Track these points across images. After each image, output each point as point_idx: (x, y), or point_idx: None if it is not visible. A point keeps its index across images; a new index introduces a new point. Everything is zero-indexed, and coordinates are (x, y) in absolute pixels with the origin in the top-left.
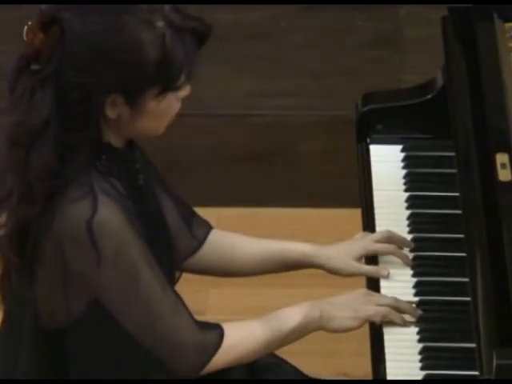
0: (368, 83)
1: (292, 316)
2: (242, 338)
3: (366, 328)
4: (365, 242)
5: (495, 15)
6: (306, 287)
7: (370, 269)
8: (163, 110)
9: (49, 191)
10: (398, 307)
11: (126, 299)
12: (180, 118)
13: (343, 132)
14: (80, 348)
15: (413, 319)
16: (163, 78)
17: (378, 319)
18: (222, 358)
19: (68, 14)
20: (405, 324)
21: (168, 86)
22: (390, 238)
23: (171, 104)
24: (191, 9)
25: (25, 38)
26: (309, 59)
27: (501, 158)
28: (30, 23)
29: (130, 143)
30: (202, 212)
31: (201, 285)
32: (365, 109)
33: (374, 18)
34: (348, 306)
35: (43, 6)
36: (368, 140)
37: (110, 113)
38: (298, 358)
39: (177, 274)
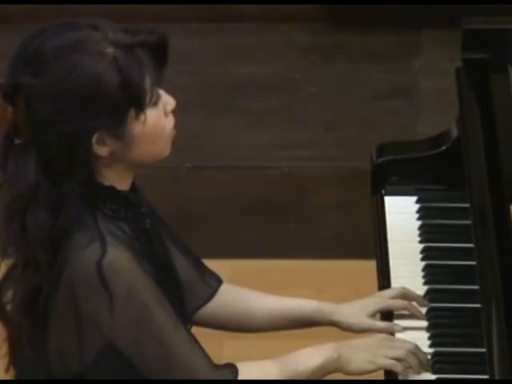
0: (382, 135)
1: (310, 357)
2: (256, 376)
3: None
4: (378, 299)
5: (510, 67)
6: (324, 338)
7: (383, 325)
8: (152, 130)
9: (51, 249)
10: (415, 354)
11: (139, 341)
12: (193, 169)
13: (357, 183)
14: None
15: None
16: (132, 98)
17: (397, 369)
18: None
19: (22, 76)
20: (419, 372)
21: (140, 104)
22: (405, 295)
23: (157, 121)
24: (205, 60)
25: None
26: (323, 110)
27: None
28: None
29: (134, 188)
30: (216, 264)
31: (216, 336)
32: (379, 160)
33: (389, 69)
34: (367, 349)
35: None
36: (383, 191)
37: (102, 152)
38: None
39: (187, 326)
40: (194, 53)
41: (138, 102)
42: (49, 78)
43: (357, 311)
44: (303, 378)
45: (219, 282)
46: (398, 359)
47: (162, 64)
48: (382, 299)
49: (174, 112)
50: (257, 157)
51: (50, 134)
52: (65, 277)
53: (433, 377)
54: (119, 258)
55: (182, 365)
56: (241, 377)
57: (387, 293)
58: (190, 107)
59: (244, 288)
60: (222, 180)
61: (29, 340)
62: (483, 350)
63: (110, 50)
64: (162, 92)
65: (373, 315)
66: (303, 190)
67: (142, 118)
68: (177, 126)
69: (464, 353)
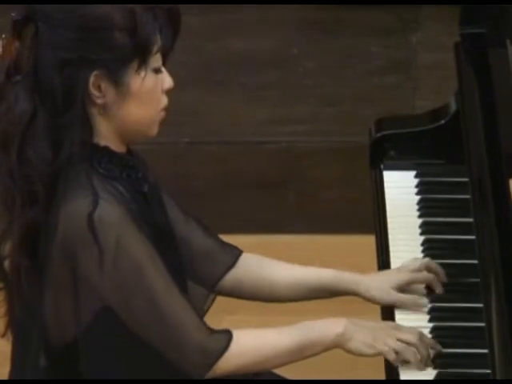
0: (381, 109)
1: (314, 329)
2: (255, 344)
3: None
4: (402, 272)
5: (508, 41)
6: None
7: (409, 298)
8: (147, 92)
9: (48, 184)
10: (417, 348)
11: (129, 297)
12: (193, 145)
13: (357, 158)
14: (91, 361)
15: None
16: (138, 47)
17: (391, 358)
18: (231, 362)
19: (38, 4)
20: (419, 367)
21: (145, 56)
22: (428, 267)
23: (155, 88)
24: (204, 36)
25: (0, 53)
26: (322, 86)
27: None
28: (3, 36)
29: (131, 153)
30: None
31: (214, 311)
32: (378, 135)
33: (388, 44)
34: (371, 331)
35: (13, 15)
36: (381, 166)
37: (97, 97)
38: None
39: (211, 296)
40: (193, 29)
41: (143, 53)
42: (64, 7)
43: (383, 284)
44: (312, 349)
45: (239, 250)
46: (396, 351)
47: (174, 34)
48: (406, 272)
49: (170, 92)
50: (255, 132)
51: (52, 63)
52: (59, 229)
53: (434, 372)
54: (111, 211)
55: (173, 323)
56: (235, 345)
57: (410, 266)
58: (188, 83)
59: (264, 257)
60: (221, 155)
61: (25, 301)
62: (482, 324)
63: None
64: (163, 69)
65: (398, 289)
66: (302, 164)
67: (142, 73)
68: (172, 103)
69: (463, 327)
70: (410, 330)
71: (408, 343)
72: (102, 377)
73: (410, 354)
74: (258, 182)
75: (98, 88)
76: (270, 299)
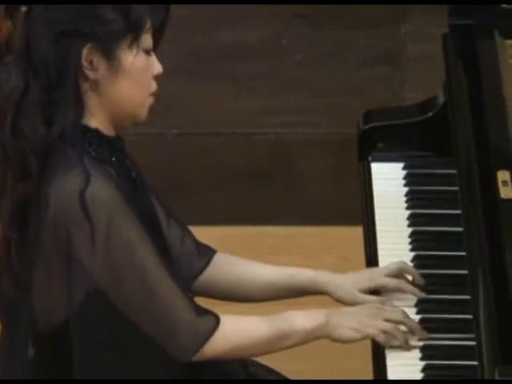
0: (370, 100)
1: (298, 319)
2: (241, 329)
3: (369, 345)
4: (373, 275)
5: (496, 32)
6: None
7: (374, 300)
8: (138, 71)
9: (41, 159)
10: (405, 324)
11: (120, 275)
12: (180, 136)
13: (345, 150)
14: (81, 344)
15: (417, 341)
16: (131, 24)
17: (380, 339)
18: (218, 345)
19: None
20: (407, 346)
21: (137, 33)
22: (402, 270)
23: (145, 68)
24: (192, 26)
25: None
26: (310, 77)
27: (502, 175)
28: None
29: (119, 137)
30: (204, 231)
31: (205, 303)
32: (366, 127)
33: (376, 35)
34: (356, 317)
35: None
36: (369, 158)
37: (89, 71)
38: (300, 376)
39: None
40: (182, 20)
41: (136, 29)
42: None
43: (350, 284)
44: (291, 339)
45: (213, 251)
46: (384, 331)
47: (164, 16)
48: (377, 276)
49: (159, 82)
50: (244, 123)
51: (46, 36)
52: (50, 207)
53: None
54: (102, 189)
55: (163, 303)
56: (222, 329)
57: (384, 270)
58: (177, 74)
59: (238, 258)
60: (209, 146)
61: (15, 277)
62: (470, 316)
63: None
64: (153, 56)
65: (364, 291)
66: (290, 156)
67: (134, 50)
68: (160, 93)
69: (451, 319)
70: (394, 309)
71: (395, 321)
72: (92, 361)
73: (399, 332)
74: (247, 174)
75: (91, 63)
76: (243, 299)
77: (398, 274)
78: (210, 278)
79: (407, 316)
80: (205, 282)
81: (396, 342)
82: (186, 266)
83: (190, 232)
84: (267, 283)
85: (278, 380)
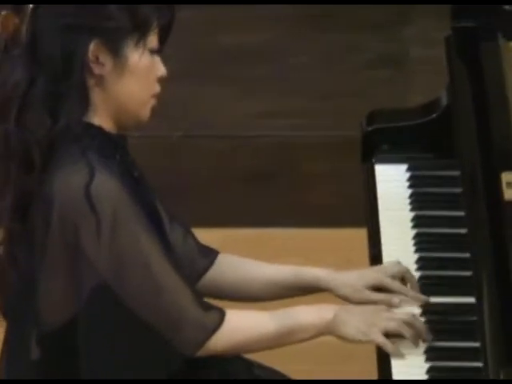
0: (373, 103)
1: (305, 314)
2: (246, 324)
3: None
4: (378, 274)
5: (499, 34)
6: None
7: (380, 298)
8: (143, 69)
9: (45, 152)
10: (411, 324)
11: (125, 268)
12: (185, 139)
13: (349, 152)
14: (89, 339)
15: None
16: (138, 22)
17: (386, 348)
18: (222, 340)
19: None
20: (414, 341)
21: (144, 31)
22: (403, 274)
23: (151, 68)
24: (195, 29)
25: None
26: (314, 79)
27: (506, 176)
28: (2, 13)
29: (122, 136)
30: (208, 233)
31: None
32: (369, 128)
33: (379, 38)
34: (364, 317)
35: None
36: (373, 160)
37: (95, 67)
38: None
39: None
40: (184, 23)
41: (143, 27)
42: None
43: (354, 281)
44: (297, 335)
45: (216, 252)
46: (392, 332)
47: (170, 19)
48: (381, 275)
49: (163, 85)
50: (247, 126)
51: (53, 29)
52: (55, 202)
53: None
54: (107, 183)
55: (169, 296)
56: (227, 324)
57: (388, 269)
58: (180, 77)
59: (242, 257)
60: (213, 149)
61: (19, 272)
62: (474, 318)
63: None
64: (158, 58)
65: (371, 288)
66: (294, 158)
67: (140, 49)
68: (164, 96)
69: (455, 321)
70: (402, 312)
71: (402, 320)
72: (98, 358)
73: (406, 328)
74: (251, 176)
75: (97, 58)
76: (247, 299)
77: (399, 275)
78: (215, 278)
79: (415, 317)
80: (209, 282)
81: (402, 351)
82: (189, 267)
83: (192, 233)
84: (271, 282)
85: (278, 380)
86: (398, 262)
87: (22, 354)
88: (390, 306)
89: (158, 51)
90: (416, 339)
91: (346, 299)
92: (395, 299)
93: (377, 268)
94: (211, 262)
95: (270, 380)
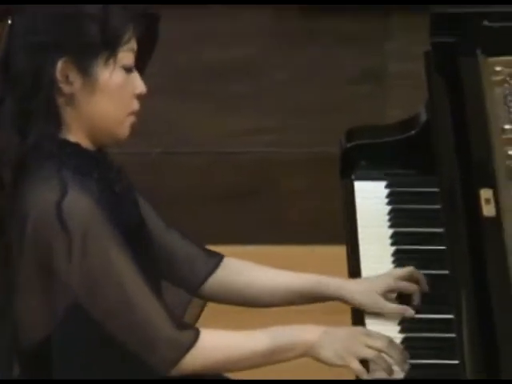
0: (353, 118)
1: (288, 335)
2: (223, 343)
3: None
4: (388, 279)
5: (478, 50)
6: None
7: (395, 307)
8: (116, 88)
9: (16, 170)
10: (388, 354)
11: (97, 286)
12: (165, 155)
13: (328, 168)
14: (61, 359)
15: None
16: (107, 38)
17: (359, 373)
18: (199, 359)
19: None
20: (390, 373)
21: (113, 48)
22: (413, 276)
23: (124, 85)
24: (176, 45)
25: None
26: (293, 96)
27: (485, 193)
28: None
29: (102, 151)
30: None
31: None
32: (348, 145)
33: (359, 54)
34: (342, 342)
35: None
36: (352, 176)
37: (64, 85)
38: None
39: (199, 302)
40: (165, 38)
41: (112, 43)
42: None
43: (367, 289)
44: (277, 355)
45: (222, 255)
46: (367, 359)
47: (152, 38)
48: (393, 280)
49: (143, 101)
50: (227, 142)
51: (23, 47)
52: (28, 220)
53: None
54: (79, 200)
55: (141, 315)
56: (201, 342)
57: (397, 273)
58: (160, 93)
59: (248, 262)
60: (193, 165)
61: None
62: (453, 334)
63: None
64: (136, 75)
65: (384, 295)
66: (273, 175)
67: (110, 67)
68: (144, 112)
69: (434, 338)
70: (380, 336)
71: (379, 350)
72: (72, 374)
73: (381, 361)
74: (230, 193)
75: (66, 77)
76: (252, 304)
77: (410, 278)
78: (219, 283)
79: (392, 345)
80: (214, 285)
81: (381, 364)
82: (190, 271)
83: (193, 240)
84: (279, 288)
85: (276, 380)
86: (408, 267)
87: (2, 372)
88: (406, 316)
89: (139, 68)
90: (391, 370)
91: (361, 307)
92: (410, 311)
93: (386, 273)
94: (216, 266)
95: (268, 380)
